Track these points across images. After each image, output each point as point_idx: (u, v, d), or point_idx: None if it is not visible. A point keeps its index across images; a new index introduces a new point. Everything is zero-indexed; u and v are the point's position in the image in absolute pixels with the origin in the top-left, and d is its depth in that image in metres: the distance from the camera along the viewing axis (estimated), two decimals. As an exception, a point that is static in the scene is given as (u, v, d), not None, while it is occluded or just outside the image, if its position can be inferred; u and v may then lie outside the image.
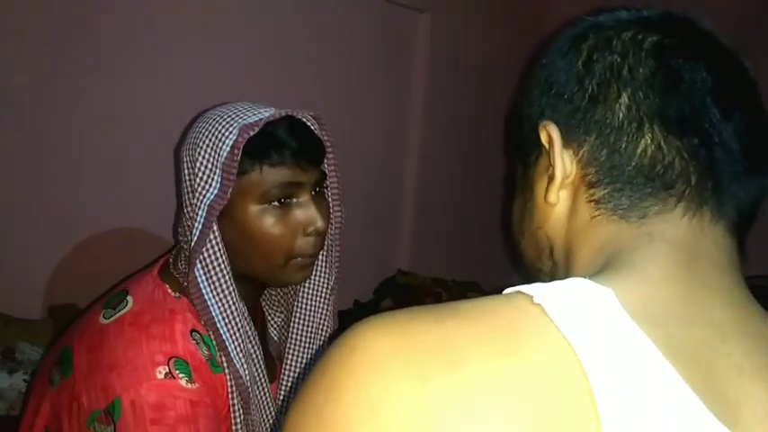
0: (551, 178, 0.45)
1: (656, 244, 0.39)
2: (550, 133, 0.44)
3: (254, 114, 0.75)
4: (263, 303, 0.95)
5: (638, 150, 0.40)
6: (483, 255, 2.22)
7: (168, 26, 1.33)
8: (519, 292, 0.35)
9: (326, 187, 0.85)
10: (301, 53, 1.57)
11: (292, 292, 0.93)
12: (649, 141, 0.40)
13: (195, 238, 0.73)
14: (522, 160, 0.51)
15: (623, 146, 0.41)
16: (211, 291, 0.73)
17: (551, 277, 0.48)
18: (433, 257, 2.04)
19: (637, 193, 0.41)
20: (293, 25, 1.55)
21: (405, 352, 0.31)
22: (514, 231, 0.54)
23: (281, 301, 0.95)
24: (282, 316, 0.95)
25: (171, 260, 0.81)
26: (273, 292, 0.95)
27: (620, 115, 0.41)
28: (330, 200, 0.86)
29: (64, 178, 1.24)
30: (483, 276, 2.04)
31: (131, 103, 1.30)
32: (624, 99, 0.41)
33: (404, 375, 0.30)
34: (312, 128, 0.81)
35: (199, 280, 0.73)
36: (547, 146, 0.45)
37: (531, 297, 0.33)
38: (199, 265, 0.73)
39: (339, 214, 0.87)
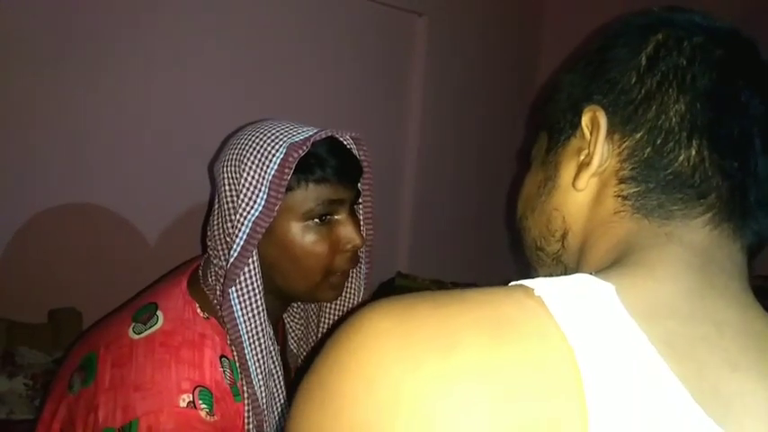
0: (585, 165, 0.44)
1: (672, 245, 0.40)
2: (599, 120, 0.44)
3: (299, 133, 0.76)
4: (285, 315, 0.95)
5: (681, 158, 0.41)
6: (482, 257, 2.23)
7: (174, 33, 1.33)
8: (521, 284, 0.36)
9: (358, 205, 0.87)
10: (299, 57, 1.57)
11: (314, 305, 0.94)
12: (694, 153, 0.41)
13: (236, 254, 0.72)
14: (551, 135, 0.50)
15: (668, 151, 0.41)
16: (241, 309, 0.73)
17: (555, 260, 0.49)
18: (432, 260, 2.04)
19: (668, 197, 0.41)
20: (291, 29, 1.55)
21: (402, 335, 0.32)
22: (523, 205, 0.53)
23: (302, 313, 0.96)
24: (302, 328, 0.96)
25: (200, 272, 0.81)
26: (295, 305, 0.95)
27: (673, 121, 0.41)
28: (362, 218, 0.87)
29: (65, 182, 1.24)
30: (482, 278, 2.04)
31: (131, 104, 1.30)
32: (681, 106, 0.41)
33: (399, 357, 0.32)
34: (350, 147, 0.82)
35: (232, 297, 0.72)
36: (588, 130, 0.45)
37: (532, 289, 0.34)
38: (236, 284, 0.72)
39: (371, 233, 0.88)
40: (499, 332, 0.32)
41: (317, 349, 0.89)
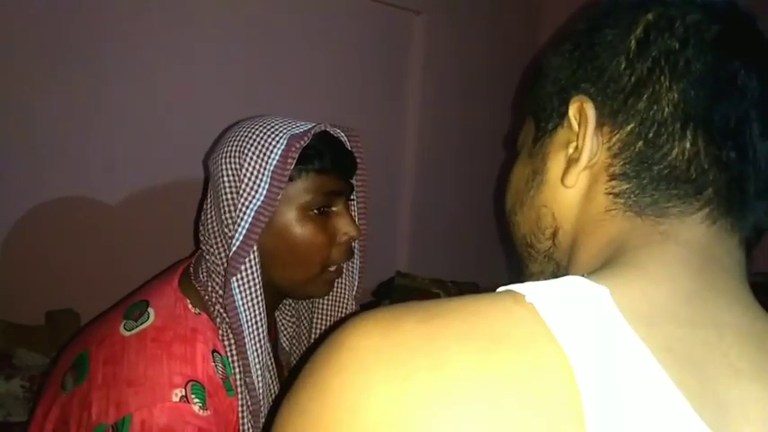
0: (574, 160, 0.42)
1: (668, 244, 0.38)
2: (586, 112, 0.41)
3: (297, 126, 0.78)
4: (276, 312, 0.95)
5: (675, 152, 0.38)
6: (481, 255, 2.22)
7: (172, 30, 1.33)
8: (510, 290, 0.34)
9: (351, 200, 0.88)
10: (295, 55, 1.57)
11: (305, 302, 0.94)
12: (689, 145, 0.38)
13: (238, 243, 0.72)
14: (537, 123, 0.47)
15: (661, 144, 0.38)
16: (242, 299, 0.73)
17: (546, 257, 0.46)
18: (432, 259, 2.04)
19: (662, 193, 0.39)
20: (287, 27, 1.55)
21: (388, 352, 0.31)
22: (511, 199, 0.50)
23: (292, 311, 0.96)
24: (294, 327, 0.96)
25: (191, 269, 0.81)
26: (287, 302, 0.96)
27: (666, 111, 0.38)
28: (356, 212, 0.89)
29: (61, 182, 1.24)
30: (482, 277, 2.04)
31: (128, 105, 1.30)
32: (674, 95, 0.38)
33: (385, 376, 0.30)
34: (344, 142, 0.84)
35: (233, 286, 0.72)
36: (575, 123, 0.42)
37: (523, 296, 0.33)
38: (238, 274, 0.73)
39: (365, 227, 0.89)
40: (490, 345, 0.30)
41: (309, 352, 0.90)
